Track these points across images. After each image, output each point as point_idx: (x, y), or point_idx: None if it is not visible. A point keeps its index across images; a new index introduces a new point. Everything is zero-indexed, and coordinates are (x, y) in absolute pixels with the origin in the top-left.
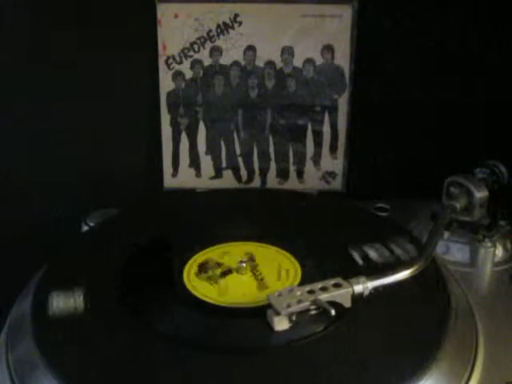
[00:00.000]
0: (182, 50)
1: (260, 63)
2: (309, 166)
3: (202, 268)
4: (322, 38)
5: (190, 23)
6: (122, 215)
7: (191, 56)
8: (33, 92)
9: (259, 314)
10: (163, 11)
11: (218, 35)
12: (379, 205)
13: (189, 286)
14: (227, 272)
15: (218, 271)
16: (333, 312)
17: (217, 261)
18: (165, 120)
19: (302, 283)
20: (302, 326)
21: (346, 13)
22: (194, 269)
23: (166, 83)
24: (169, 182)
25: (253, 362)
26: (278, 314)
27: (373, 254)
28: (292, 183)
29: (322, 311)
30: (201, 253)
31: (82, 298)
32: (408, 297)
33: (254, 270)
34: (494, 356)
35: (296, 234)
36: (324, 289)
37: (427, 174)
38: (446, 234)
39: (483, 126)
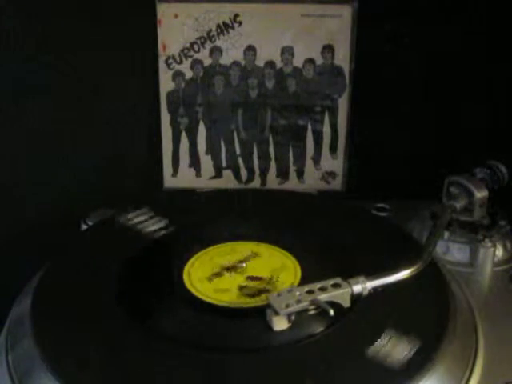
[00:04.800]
0: (182, 50)
1: (260, 63)
2: (309, 165)
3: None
4: (321, 38)
5: (190, 23)
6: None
7: (191, 56)
8: (32, 92)
9: (259, 313)
10: (163, 11)
11: (218, 35)
12: (379, 205)
13: (189, 286)
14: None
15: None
16: (331, 312)
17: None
18: (165, 120)
19: (301, 283)
20: (302, 326)
21: (346, 13)
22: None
23: (166, 83)
24: (169, 182)
25: (252, 362)
26: (277, 314)
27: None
28: (292, 183)
29: (321, 311)
30: (201, 253)
31: None
32: (408, 297)
33: (253, 269)
34: (494, 356)
35: (296, 234)
36: (323, 289)
37: (427, 174)
38: (446, 234)
39: (483, 125)
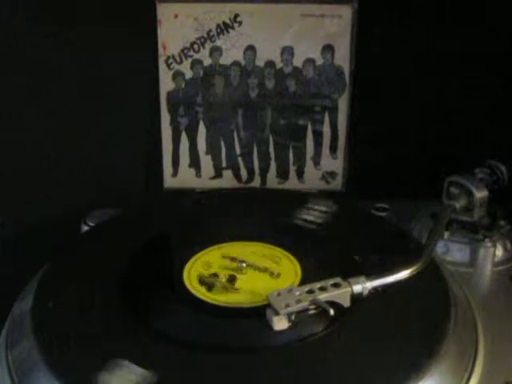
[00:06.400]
0: (182, 50)
1: (260, 63)
2: (309, 165)
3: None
4: (322, 38)
5: (190, 23)
6: (121, 215)
7: (191, 56)
8: (32, 92)
9: (259, 313)
10: (163, 11)
11: (218, 35)
12: (379, 205)
13: (189, 286)
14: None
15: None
16: (331, 312)
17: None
18: (165, 120)
19: (301, 283)
20: (302, 326)
21: (346, 13)
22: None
23: (166, 83)
24: (169, 181)
25: (252, 362)
26: (276, 313)
27: None
28: (292, 183)
29: (321, 311)
30: (201, 253)
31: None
32: (408, 297)
33: (253, 269)
34: (494, 356)
35: (296, 234)
36: (323, 289)
37: (427, 174)
38: (446, 234)
39: (483, 126)
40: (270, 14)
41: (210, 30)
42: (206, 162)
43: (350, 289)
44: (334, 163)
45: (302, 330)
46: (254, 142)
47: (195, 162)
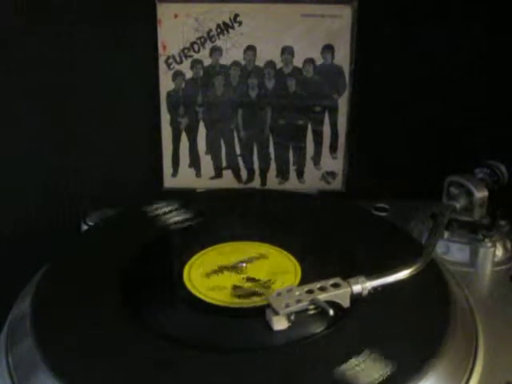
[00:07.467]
0: (182, 50)
1: (260, 63)
2: (309, 165)
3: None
4: (322, 38)
5: (190, 23)
6: (121, 215)
7: (191, 56)
8: (32, 92)
9: (259, 314)
10: (163, 11)
11: (218, 35)
12: (379, 205)
13: (189, 286)
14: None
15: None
16: (331, 312)
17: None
18: (165, 120)
19: (301, 283)
20: (301, 326)
21: (346, 13)
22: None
23: (166, 83)
24: (169, 181)
25: (251, 362)
26: (276, 313)
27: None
28: (292, 183)
29: (321, 311)
30: (201, 253)
31: None
32: (408, 297)
33: (253, 270)
34: (494, 356)
35: (296, 234)
36: (323, 289)
37: (427, 174)
38: (446, 234)
39: (483, 126)
40: (270, 14)
41: (210, 30)
42: (206, 162)
43: (349, 289)
44: (334, 163)
45: (302, 329)
46: (254, 142)
47: (195, 162)
